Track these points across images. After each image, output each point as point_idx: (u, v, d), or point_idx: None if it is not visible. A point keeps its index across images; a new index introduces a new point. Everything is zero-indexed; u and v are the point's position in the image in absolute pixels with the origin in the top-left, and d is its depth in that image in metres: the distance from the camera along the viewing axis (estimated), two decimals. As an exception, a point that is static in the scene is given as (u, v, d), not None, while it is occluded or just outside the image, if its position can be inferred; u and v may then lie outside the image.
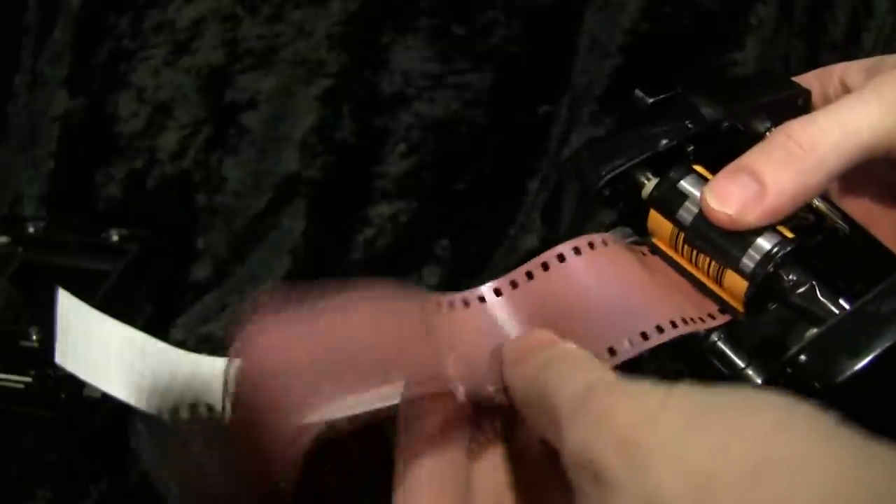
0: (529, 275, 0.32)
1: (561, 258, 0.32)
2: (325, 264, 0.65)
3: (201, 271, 0.66)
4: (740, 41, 0.63)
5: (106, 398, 0.54)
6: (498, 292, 0.32)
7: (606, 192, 0.35)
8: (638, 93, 0.37)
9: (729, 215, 0.32)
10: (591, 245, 0.32)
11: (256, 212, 0.66)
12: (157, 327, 0.61)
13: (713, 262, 0.33)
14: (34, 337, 0.55)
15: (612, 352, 0.31)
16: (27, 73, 0.71)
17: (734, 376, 0.32)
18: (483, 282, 0.32)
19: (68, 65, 0.69)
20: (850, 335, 0.31)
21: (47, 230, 0.64)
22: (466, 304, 0.32)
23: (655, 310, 0.32)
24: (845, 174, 0.34)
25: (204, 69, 0.68)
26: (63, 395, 0.56)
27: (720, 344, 0.33)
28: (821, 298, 0.32)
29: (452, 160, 0.66)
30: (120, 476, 0.56)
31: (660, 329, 0.31)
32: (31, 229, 0.64)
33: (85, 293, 0.56)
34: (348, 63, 0.66)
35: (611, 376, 0.27)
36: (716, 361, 0.33)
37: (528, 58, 0.66)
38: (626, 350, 0.31)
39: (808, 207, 0.34)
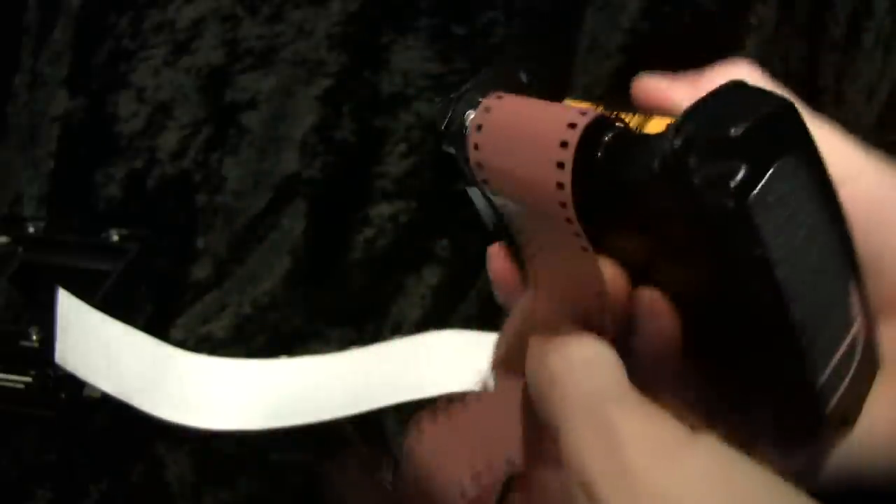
0: None
1: None
2: (325, 264, 0.65)
3: (201, 271, 0.66)
4: (740, 41, 0.63)
5: (106, 398, 0.54)
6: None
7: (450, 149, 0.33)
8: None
9: None
10: None
11: (256, 212, 0.66)
12: (157, 327, 0.61)
13: None
14: (34, 337, 0.55)
15: None
16: (27, 73, 0.71)
17: None
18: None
19: (68, 65, 0.69)
20: (725, 104, 0.28)
21: (47, 230, 0.64)
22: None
23: None
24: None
25: (204, 69, 0.68)
26: (63, 395, 0.56)
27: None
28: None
29: (452, 160, 0.66)
30: (120, 476, 0.56)
31: None
32: (31, 229, 0.64)
33: (85, 293, 0.56)
34: (348, 63, 0.66)
35: (625, 385, 0.24)
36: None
37: (528, 58, 0.66)
38: None
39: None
